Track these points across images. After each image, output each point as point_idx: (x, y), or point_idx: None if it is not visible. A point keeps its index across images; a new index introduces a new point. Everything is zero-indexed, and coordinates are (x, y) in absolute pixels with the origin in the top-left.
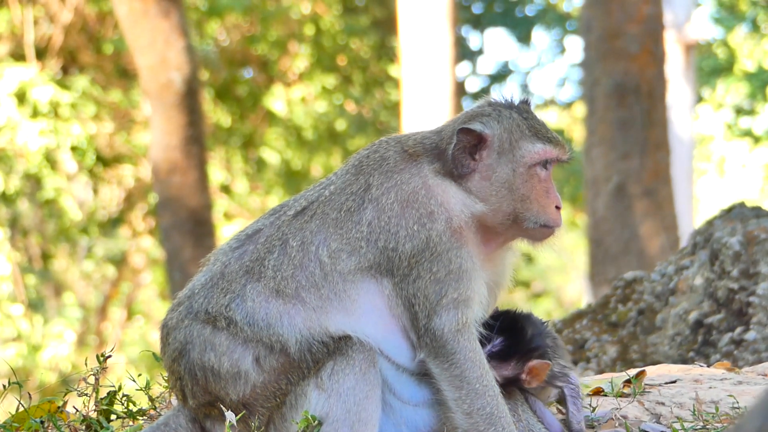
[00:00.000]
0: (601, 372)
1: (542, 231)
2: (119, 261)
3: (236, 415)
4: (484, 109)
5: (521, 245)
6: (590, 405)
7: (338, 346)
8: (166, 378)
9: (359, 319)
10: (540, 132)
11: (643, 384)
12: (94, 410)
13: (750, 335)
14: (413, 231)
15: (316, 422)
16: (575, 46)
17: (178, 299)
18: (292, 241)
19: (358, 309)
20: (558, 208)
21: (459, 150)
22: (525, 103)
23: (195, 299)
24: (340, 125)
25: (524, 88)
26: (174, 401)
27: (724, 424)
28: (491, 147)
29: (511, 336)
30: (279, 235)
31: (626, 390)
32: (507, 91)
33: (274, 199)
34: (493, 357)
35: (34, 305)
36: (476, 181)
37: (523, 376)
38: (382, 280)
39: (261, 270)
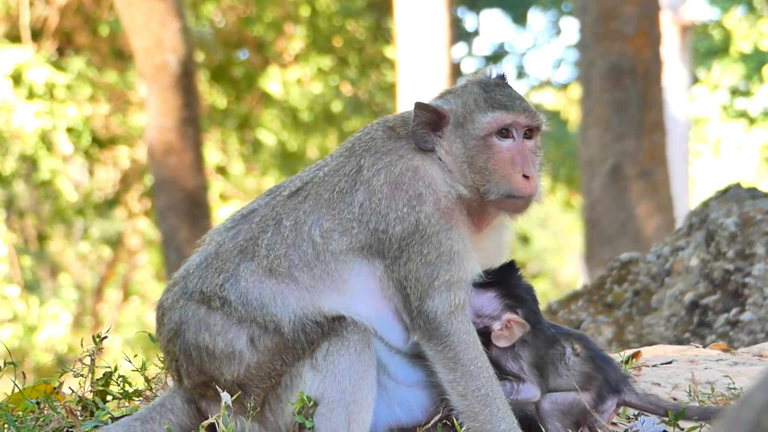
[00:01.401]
0: None
1: (511, 202)
2: (115, 242)
3: (231, 396)
4: (456, 86)
5: (517, 225)
6: None
7: (333, 326)
8: (161, 359)
9: (352, 300)
10: (496, 101)
11: (638, 365)
12: (90, 391)
13: (745, 316)
14: (403, 213)
15: (312, 403)
16: (571, 27)
17: (174, 280)
18: (285, 221)
19: (350, 289)
20: (526, 176)
21: (418, 126)
22: (499, 77)
23: (190, 279)
24: (336, 107)
25: (520, 69)
26: (170, 382)
27: (720, 405)
28: (450, 122)
29: (498, 274)
30: (273, 215)
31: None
32: (489, 69)
33: (270, 181)
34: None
35: (30, 286)
36: (444, 156)
37: (497, 326)
38: (373, 261)
39: (254, 249)
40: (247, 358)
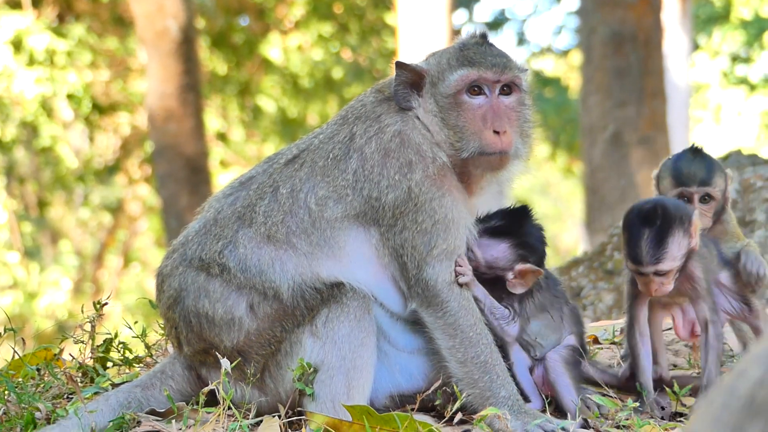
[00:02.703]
0: (597, 319)
1: (485, 159)
2: (115, 209)
3: (231, 363)
4: (441, 48)
5: (514, 187)
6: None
7: (332, 293)
8: (162, 325)
9: (349, 266)
10: (466, 58)
11: None
12: (91, 357)
13: None
14: (395, 181)
15: (311, 369)
16: None
17: (173, 246)
18: (282, 188)
19: (347, 256)
20: (498, 132)
21: (399, 85)
22: (480, 36)
23: (189, 246)
24: (337, 73)
25: (521, 35)
26: (170, 349)
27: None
28: (427, 82)
29: (511, 220)
30: (270, 183)
31: (620, 339)
32: (475, 28)
33: (270, 147)
34: (487, 233)
35: (31, 253)
36: (423, 115)
37: (510, 275)
38: (369, 229)
39: (252, 216)
40: (247, 324)
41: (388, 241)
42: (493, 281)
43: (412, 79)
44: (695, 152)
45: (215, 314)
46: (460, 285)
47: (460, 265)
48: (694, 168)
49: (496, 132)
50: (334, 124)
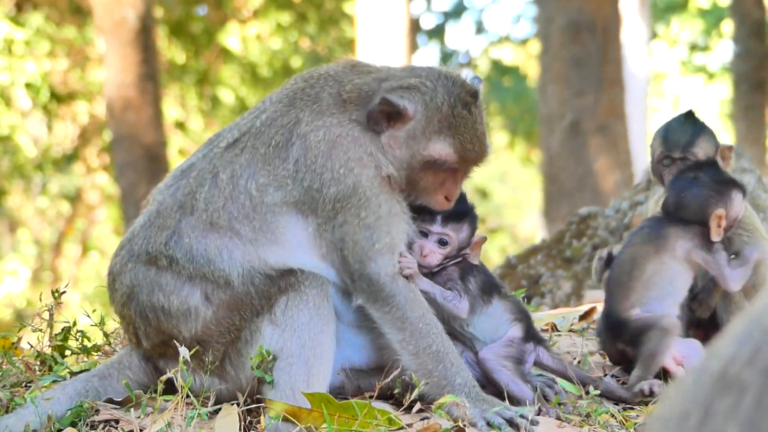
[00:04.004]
0: (555, 307)
1: (422, 205)
2: (74, 197)
3: (191, 352)
4: (427, 79)
5: (473, 179)
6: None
7: (289, 281)
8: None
9: (292, 253)
10: (458, 137)
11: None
12: (49, 346)
13: None
14: (339, 175)
15: (271, 357)
16: None
17: (121, 243)
18: (222, 173)
19: (287, 243)
20: (447, 199)
21: (378, 113)
22: (471, 94)
23: (135, 241)
24: (295, 62)
25: (479, 24)
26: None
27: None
28: (406, 124)
29: (460, 203)
30: (210, 168)
31: (578, 326)
32: (467, 71)
33: None
34: (452, 219)
35: None
36: (386, 144)
37: (468, 250)
38: (307, 218)
39: (193, 204)
40: (203, 313)
41: (325, 233)
42: (433, 274)
43: (394, 113)
44: (687, 116)
45: (171, 306)
46: (406, 278)
47: (405, 257)
48: (679, 132)
49: (447, 199)
50: (279, 103)
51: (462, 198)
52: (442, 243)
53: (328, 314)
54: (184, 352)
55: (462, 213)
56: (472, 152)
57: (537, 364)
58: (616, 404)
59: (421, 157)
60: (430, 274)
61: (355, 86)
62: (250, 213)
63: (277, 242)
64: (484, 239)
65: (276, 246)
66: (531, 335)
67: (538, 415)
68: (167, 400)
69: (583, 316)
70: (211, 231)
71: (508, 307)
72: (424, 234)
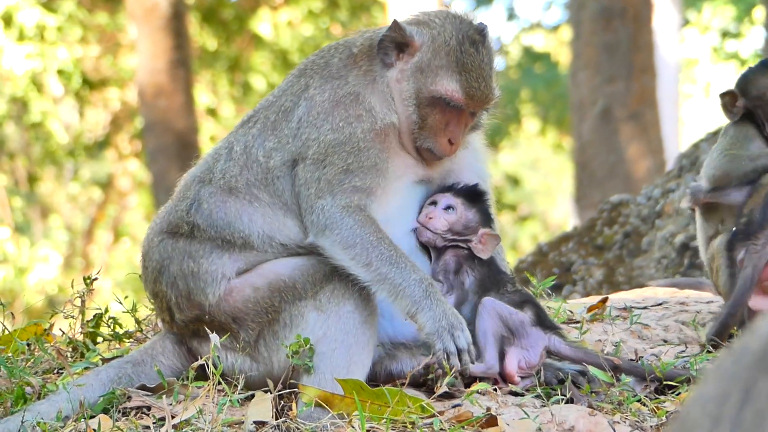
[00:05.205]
0: (587, 295)
1: (425, 152)
2: (105, 184)
3: (221, 337)
4: (436, 17)
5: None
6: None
7: (336, 268)
8: (152, 301)
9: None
10: (464, 75)
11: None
12: (81, 333)
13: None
14: (338, 126)
15: (308, 346)
16: None
17: (149, 226)
18: (236, 146)
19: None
20: (451, 143)
21: (387, 39)
22: (479, 32)
23: (158, 218)
24: None
25: (510, 11)
26: (160, 324)
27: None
28: (414, 56)
29: (471, 192)
30: (225, 145)
31: (589, 315)
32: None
33: None
34: (462, 193)
35: (21, 228)
36: (393, 83)
37: (474, 239)
38: (297, 173)
39: (211, 176)
40: (234, 283)
41: (305, 173)
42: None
43: (402, 42)
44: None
45: (200, 270)
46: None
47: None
48: (758, 78)
49: (450, 142)
50: (290, 76)
51: (481, 190)
52: (449, 210)
53: (373, 304)
54: (214, 339)
55: (476, 193)
56: (478, 91)
57: (554, 352)
58: (655, 387)
59: (428, 92)
60: (436, 251)
61: (367, 39)
62: (263, 179)
63: (286, 205)
64: (497, 238)
65: (287, 211)
66: (541, 321)
67: (570, 403)
68: (199, 387)
69: (593, 307)
70: (229, 195)
71: (510, 300)
72: (434, 203)
